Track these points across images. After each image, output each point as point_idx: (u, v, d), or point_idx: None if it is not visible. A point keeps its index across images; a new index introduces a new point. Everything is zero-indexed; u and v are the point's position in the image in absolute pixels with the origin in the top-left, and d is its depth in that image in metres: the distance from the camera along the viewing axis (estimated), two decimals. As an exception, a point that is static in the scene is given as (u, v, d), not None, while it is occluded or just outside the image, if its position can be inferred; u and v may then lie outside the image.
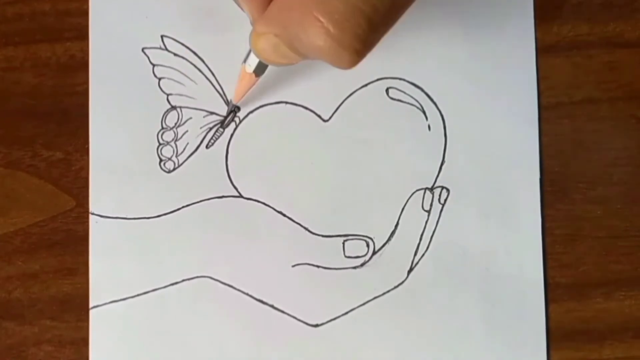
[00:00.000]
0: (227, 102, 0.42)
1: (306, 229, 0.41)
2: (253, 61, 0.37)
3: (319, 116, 0.42)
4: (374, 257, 0.41)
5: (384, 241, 0.41)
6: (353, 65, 0.31)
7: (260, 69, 0.38)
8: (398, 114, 0.42)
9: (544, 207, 0.42)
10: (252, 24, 0.34)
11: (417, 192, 0.42)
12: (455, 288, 0.41)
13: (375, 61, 0.42)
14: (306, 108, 0.42)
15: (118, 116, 0.42)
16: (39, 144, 0.42)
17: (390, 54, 0.42)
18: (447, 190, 0.42)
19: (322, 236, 0.41)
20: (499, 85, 0.42)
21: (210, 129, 0.42)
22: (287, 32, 0.32)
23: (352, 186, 0.42)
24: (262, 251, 0.41)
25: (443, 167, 0.42)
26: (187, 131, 0.42)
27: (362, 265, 0.41)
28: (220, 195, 0.42)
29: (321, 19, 0.30)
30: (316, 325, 0.41)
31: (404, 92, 0.42)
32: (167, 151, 0.42)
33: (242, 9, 0.34)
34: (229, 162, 0.42)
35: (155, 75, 0.42)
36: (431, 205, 0.42)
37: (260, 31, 0.33)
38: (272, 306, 0.41)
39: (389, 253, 0.41)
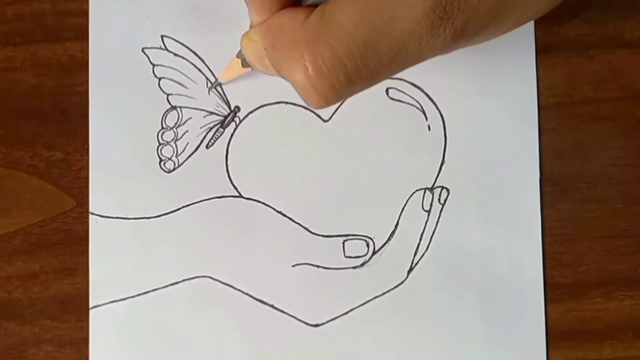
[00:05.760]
0: (227, 102, 0.42)
1: (306, 229, 0.41)
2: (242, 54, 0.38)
3: (319, 116, 0.42)
4: (374, 257, 0.41)
5: (384, 241, 0.41)
6: (320, 107, 0.33)
7: (247, 64, 0.38)
8: (398, 114, 0.42)
9: (544, 207, 0.42)
10: (250, 23, 0.34)
11: (417, 192, 0.42)
12: (455, 288, 0.41)
13: (375, 61, 0.42)
14: (306, 108, 0.42)
15: (118, 116, 0.42)
16: (39, 144, 0.42)
17: (390, 54, 0.42)
18: (447, 190, 0.42)
19: (322, 236, 0.41)
20: (499, 85, 0.42)
21: (210, 129, 0.42)
22: (274, 52, 0.33)
23: (352, 186, 0.42)
24: (262, 251, 0.41)
25: (443, 167, 0.42)
26: (187, 131, 0.42)
27: (362, 265, 0.41)
28: (220, 195, 0.42)
29: (306, 58, 0.31)
30: (316, 325, 0.41)
31: (404, 92, 0.42)
32: (167, 151, 0.42)
33: (246, 4, 0.34)
34: (229, 162, 0.42)
35: (155, 75, 0.42)
36: (431, 205, 0.42)
37: (252, 37, 0.34)
38: (272, 306, 0.41)
39: (389, 253, 0.41)
